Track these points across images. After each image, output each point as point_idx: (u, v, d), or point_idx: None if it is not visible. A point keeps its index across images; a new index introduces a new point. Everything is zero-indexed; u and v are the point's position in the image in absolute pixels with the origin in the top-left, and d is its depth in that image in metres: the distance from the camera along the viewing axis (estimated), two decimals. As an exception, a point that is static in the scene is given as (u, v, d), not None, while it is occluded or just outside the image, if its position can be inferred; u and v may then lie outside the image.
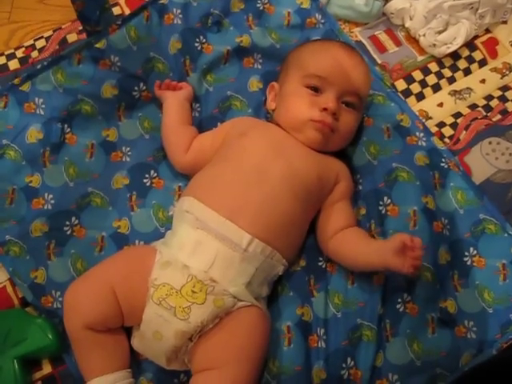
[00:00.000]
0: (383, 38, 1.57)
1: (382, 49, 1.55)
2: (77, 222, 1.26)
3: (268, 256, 1.13)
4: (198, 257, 1.10)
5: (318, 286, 1.24)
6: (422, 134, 1.37)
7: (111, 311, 1.09)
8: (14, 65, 1.47)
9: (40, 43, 1.51)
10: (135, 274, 1.11)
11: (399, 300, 1.22)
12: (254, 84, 1.43)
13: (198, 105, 1.41)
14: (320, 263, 1.26)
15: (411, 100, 1.49)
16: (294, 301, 1.22)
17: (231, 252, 1.10)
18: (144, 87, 1.39)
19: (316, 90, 1.24)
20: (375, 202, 1.29)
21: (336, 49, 1.29)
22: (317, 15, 1.52)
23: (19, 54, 1.49)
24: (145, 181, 1.33)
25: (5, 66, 1.47)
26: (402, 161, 1.32)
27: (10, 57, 1.48)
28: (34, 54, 1.49)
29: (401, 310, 1.21)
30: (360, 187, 1.33)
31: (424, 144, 1.36)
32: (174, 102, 1.35)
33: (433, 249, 1.25)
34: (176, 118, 1.34)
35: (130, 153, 1.35)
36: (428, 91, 1.50)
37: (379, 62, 1.53)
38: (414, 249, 1.10)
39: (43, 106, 1.32)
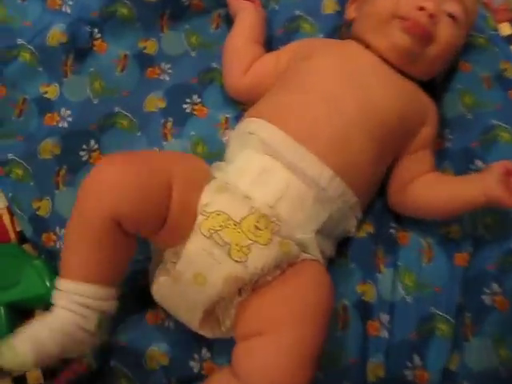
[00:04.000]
0: (489, -30, 1.25)
1: (486, -16, 1.23)
2: (96, 146, 0.99)
3: (347, 202, 0.86)
4: (263, 186, 0.83)
5: (386, 260, 0.95)
6: (529, 89, 1.08)
7: (159, 208, 0.78)
8: None
9: None
10: (197, 181, 0.82)
11: (486, 290, 0.93)
12: (330, 5, 1.12)
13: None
14: (391, 230, 0.97)
15: (516, 48, 1.17)
16: (354, 274, 0.94)
17: (305, 188, 0.84)
18: (197, -8, 1.10)
19: None
20: (465, 163, 1.00)
21: None
22: None
23: None
24: (185, 106, 1.04)
25: None
26: (504, 118, 1.02)
27: None
28: None
29: (487, 302, 0.92)
30: (448, 144, 1.02)
31: (530, 102, 1.06)
32: (254, 16, 1.06)
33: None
34: (249, 32, 1.05)
35: (170, 70, 1.07)
36: (537, 40, 1.18)
37: (482, -1, 1.22)
38: None
39: (71, 2, 1.04)
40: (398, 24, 0.92)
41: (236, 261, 0.78)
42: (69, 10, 1.04)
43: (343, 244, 0.94)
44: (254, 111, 0.94)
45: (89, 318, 0.78)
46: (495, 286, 0.92)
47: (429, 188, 0.94)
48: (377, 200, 0.99)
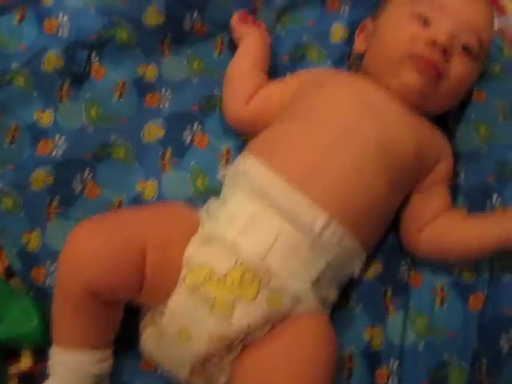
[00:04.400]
0: (503, -3, 1.19)
1: (500, 11, 1.16)
2: (91, 176, 0.93)
3: (346, 248, 0.79)
4: (252, 236, 0.77)
5: (396, 302, 0.89)
6: (546, 122, 1.01)
7: (134, 276, 0.74)
8: None
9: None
10: (177, 236, 0.78)
11: (503, 336, 0.85)
12: (338, 32, 1.07)
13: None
14: (402, 269, 0.91)
15: (532, 78, 1.11)
16: (361, 318, 0.88)
17: (298, 235, 0.78)
18: (199, 17, 1.03)
19: (425, 20, 0.88)
20: (481, 199, 0.93)
21: None
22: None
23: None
24: (185, 135, 0.98)
25: None
26: (522, 151, 0.97)
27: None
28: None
29: (505, 350, 0.85)
30: (462, 179, 0.96)
31: (548, 133, 1.00)
32: (258, 42, 1.00)
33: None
34: (252, 59, 0.99)
35: (170, 97, 1.01)
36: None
37: (496, 26, 1.10)
38: None
39: (68, 25, 0.97)
40: (410, 64, 0.87)
41: (220, 317, 0.73)
42: (66, 34, 0.97)
43: (350, 285, 0.87)
44: (254, 144, 0.89)
45: (85, 381, 0.75)
46: (513, 333, 0.87)
47: (453, 226, 0.89)
48: (388, 236, 0.92)
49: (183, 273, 0.76)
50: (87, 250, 0.74)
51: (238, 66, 0.99)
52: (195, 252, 0.77)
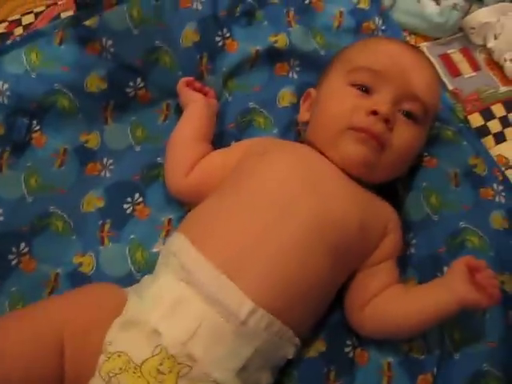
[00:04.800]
0: (458, 58, 1.17)
1: (454, 72, 1.15)
2: (26, 249, 0.89)
3: (275, 334, 0.74)
4: (175, 321, 0.72)
5: (339, 383, 0.84)
6: (500, 187, 0.98)
7: (52, 373, 0.70)
8: None
9: (27, 19, 1.14)
10: (98, 322, 0.74)
11: (453, 419, 0.82)
12: (286, 97, 1.06)
13: (210, 116, 1.05)
14: (347, 349, 0.87)
15: (488, 141, 1.07)
16: None
17: (222, 322, 0.73)
18: (142, 84, 1.01)
19: (366, 90, 0.87)
20: (432, 272, 0.90)
21: (395, 42, 0.94)
22: (376, 19, 1.15)
23: (0, 29, 1.12)
24: (125, 206, 0.95)
25: None
26: (473, 220, 0.93)
27: (-12, 31, 1.12)
28: (18, 30, 1.11)
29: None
30: (412, 250, 0.93)
31: (503, 201, 0.97)
32: (203, 110, 0.97)
33: (505, 349, 0.84)
34: (197, 128, 0.96)
35: (111, 167, 0.98)
36: (510, 132, 1.09)
37: (450, 87, 1.13)
38: (481, 269, 0.80)
39: (8, 93, 0.94)
40: (351, 135, 0.85)
41: None
42: (6, 101, 0.94)
43: (291, 363, 0.82)
44: (188, 222, 0.85)
45: None
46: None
47: (394, 302, 0.84)
48: (331, 313, 0.87)
49: (101, 360, 0.71)
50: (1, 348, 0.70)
51: (180, 134, 0.97)
52: (114, 337, 0.73)
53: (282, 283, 0.75)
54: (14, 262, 0.89)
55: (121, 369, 0.70)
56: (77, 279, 0.90)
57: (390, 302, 0.83)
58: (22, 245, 0.90)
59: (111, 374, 0.70)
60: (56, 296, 0.84)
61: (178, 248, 0.79)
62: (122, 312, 0.76)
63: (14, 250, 0.89)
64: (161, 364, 0.70)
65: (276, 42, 1.08)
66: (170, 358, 0.71)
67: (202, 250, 0.77)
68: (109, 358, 0.72)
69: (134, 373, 0.70)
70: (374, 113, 0.84)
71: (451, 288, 0.78)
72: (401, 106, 0.86)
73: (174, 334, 0.72)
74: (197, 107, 0.98)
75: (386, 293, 0.85)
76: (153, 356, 0.71)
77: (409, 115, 0.87)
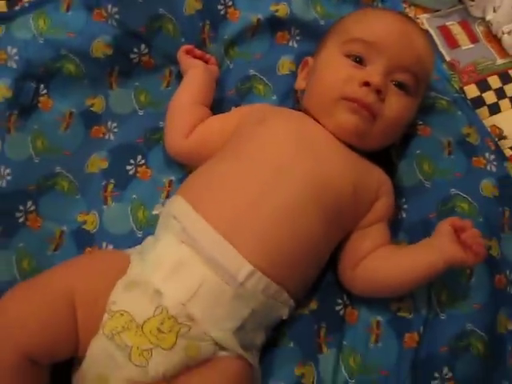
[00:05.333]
0: (456, 30, 1.20)
1: (452, 43, 1.18)
2: (33, 208, 0.92)
3: (272, 296, 0.78)
4: (176, 282, 0.76)
5: (329, 339, 0.88)
6: (492, 157, 1.01)
7: (68, 333, 0.74)
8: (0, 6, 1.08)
9: (37, -16, 1.16)
10: (105, 287, 0.77)
11: (436, 375, 0.85)
12: (286, 65, 1.08)
13: (211, 82, 1.08)
14: (338, 307, 0.90)
15: (483, 112, 1.11)
16: (293, 355, 0.86)
17: (222, 284, 0.76)
18: (146, 50, 1.04)
19: (360, 60, 0.89)
20: (422, 236, 0.91)
21: (392, 14, 0.96)
22: (376, -11, 1.17)
23: (9, -7, 1.15)
24: (128, 168, 0.98)
25: None
26: (464, 187, 0.96)
27: (-3, -4, 1.14)
28: (27, -4, 1.14)
29: (437, 388, 0.85)
30: (404, 214, 0.97)
31: (494, 169, 0.99)
32: (203, 76, 1.00)
33: (490, 311, 0.88)
34: (195, 92, 0.99)
35: (116, 130, 1.01)
36: (505, 104, 1.13)
37: (448, 58, 1.16)
38: (466, 229, 0.84)
39: (16, 57, 0.97)
40: (344, 105, 0.87)
41: (136, 365, 0.72)
42: (14, 65, 0.97)
43: (283, 321, 0.85)
44: (187, 185, 0.88)
45: None
46: (446, 370, 0.84)
47: (384, 261, 0.87)
48: (323, 273, 0.90)
49: (104, 318, 0.75)
50: (16, 314, 0.72)
51: (180, 99, 0.99)
52: (118, 298, 0.76)
53: (278, 245, 0.79)
54: (21, 220, 0.92)
55: (123, 327, 0.74)
56: (80, 237, 0.94)
57: (380, 262, 0.87)
58: (29, 203, 0.93)
59: (114, 332, 0.74)
60: (64, 264, 0.85)
61: (178, 211, 0.82)
62: (126, 273, 0.79)
63: (21, 208, 0.93)
64: (162, 323, 0.74)
65: (277, 11, 1.10)
66: (170, 318, 0.75)
67: (201, 212, 0.79)
68: (112, 316, 0.75)
69: (136, 331, 0.74)
70: (366, 84, 0.86)
71: (438, 248, 0.82)
72: (393, 77, 0.89)
73: (174, 295, 0.75)
74: (195, 73, 1.01)
75: (376, 253, 0.88)
76: (154, 316, 0.74)
77: (400, 86, 0.90)
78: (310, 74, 0.97)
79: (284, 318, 0.82)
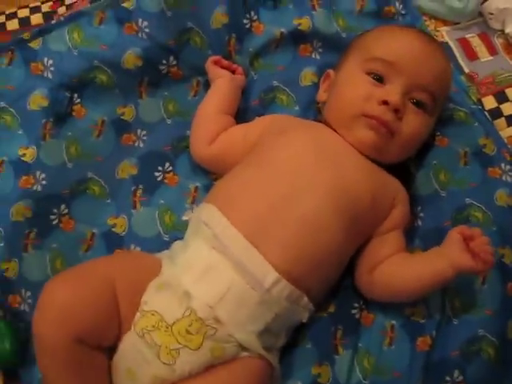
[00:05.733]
0: (476, 42, 1.21)
1: (472, 55, 1.19)
2: (66, 211, 0.98)
3: (294, 302, 0.82)
4: (205, 285, 0.81)
5: (345, 341, 0.92)
6: (508, 167, 1.03)
7: (112, 318, 0.79)
8: (36, 19, 1.19)
9: (70, -2, 1.23)
10: (143, 282, 0.82)
11: (447, 378, 0.88)
12: (308, 77, 1.12)
13: (236, 93, 1.13)
14: (354, 311, 0.94)
15: (500, 123, 1.12)
16: (310, 356, 0.90)
17: (249, 289, 0.81)
18: (174, 62, 1.09)
19: (379, 79, 0.93)
20: (436, 243, 0.93)
21: (411, 33, 0.99)
22: (397, 4, 1.20)
23: (45, 8, 1.21)
24: (156, 174, 1.03)
25: (27, 19, 1.19)
26: (479, 197, 0.99)
27: (35, 10, 1.20)
28: (62, 10, 1.20)
29: (449, 391, 0.88)
30: (419, 222, 1.00)
31: (509, 180, 1.02)
32: (228, 85, 1.05)
33: (501, 317, 0.91)
34: (221, 102, 1.04)
35: (145, 137, 1.07)
36: (523, 115, 1.15)
37: (466, 70, 1.18)
38: (475, 237, 0.86)
39: (52, 68, 1.04)
40: (363, 121, 0.92)
41: (164, 363, 0.77)
42: (50, 76, 1.03)
43: (302, 323, 0.89)
44: (214, 192, 0.93)
45: None
46: (457, 374, 0.87)
47: (396, 267, 0.91)
48: (341, 278, 0.94)
49: (136, 317, 0.80)
50: (65, 298, 0.77)
51: (205, 108, 1.05)
52: (150, 298, 0.81)
53: (300, 252, 0.83)
54: (54, 222, 0.98)
55: (153, 326, 0.79)
56: (110, 239, 0.99)
57: (395, 267, 0.90)
58: (63, 206, 0.99)
59: (145, 331, 0.79)
60: (104, 257, 0.93)
61: (209, 217, 0.86)
62: (158, 275, 0.84)
63: (55, 210, 0.98)
64: (190, 325, 0.79)
65: (300, 24, 1.14)
66: (198, 320, 0.79)
67: (229, 219, 0.84)
68: (143, 315, 0.80)
69: (166, 331, 0.79)
70: (385, 102, 0.90)
71: (447, 255, 0.86)
72: (411, 96, 0.93)
73: (203, 298, 0.80)
74: (222, 82, 1.06)
75: (392, 259, 0.92)
76: (183, 317, 0.79)
77: (418, 104, 0.94)
78: (332, 87, 1.01)
79: (304, 321, 0.87)
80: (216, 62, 1.08)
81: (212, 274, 0.81)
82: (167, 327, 0.78)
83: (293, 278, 0.82)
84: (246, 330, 0.80)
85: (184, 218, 0.97)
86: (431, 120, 0.97)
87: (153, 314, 0.79)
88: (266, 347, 0.82)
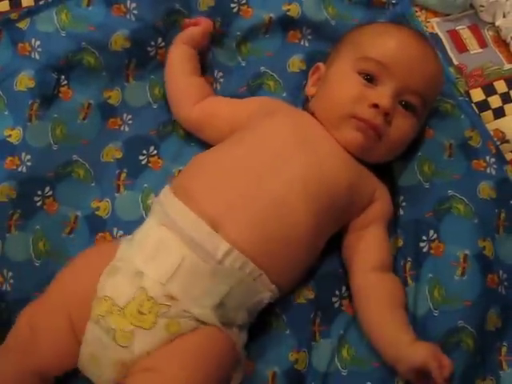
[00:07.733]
0: (466, 34, 1.21)
1: (461, 47, 1.19)
2: (50, 193, 0.98)
3: (249, 274, 0.82)
4: (157, 262, 0.81)
5: (324, 328, 0.92)
6: (492, 160, 1.03)
7: (73, 349, 0.81)
8: (27, 1, 1.13)
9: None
10: (96, 281, 0.83)
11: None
12: (296, 63, 1.12)
13: (220, 74, 1.11)
14: (334, 299, 0.95)
15: (487, 116, 1.12)
16: (288, 341, 0.91)
17: (200, 262, 0.81)
18: (162, 43, 1.09)
19: (371, 79, 0.92)
20: (417, 234, 0.97)
21: (406, 34, 0.97)
22: (388, -7, 1.20)
23: (37, -11, 1.19)
24: (141, 158, 1.03)
25: (17, 0, 1.14)
26: (462, 189, 0.99)
27: (26, -9, 1.19)
28: (54, -10, 1.19)
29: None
30: (401, 212, 0.99)
31: (493, 172, 1.02)
32: (180, 49, 1.06)
33: (481, 309, 0.91)
34: (184, 66, 1.05)
35: (130, 121, 1.06)
36: (510, 108, 1.13)
37: (455, 62, 1.17)
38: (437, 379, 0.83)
39: (40, 49, 1.04)
40: (352, 123, 0.92)
41: (122, 346, 0.78)
42: (38, 56, 1.04)
43: (282, 306, 0.91)
44: (185, 170, 0.95)
45: None
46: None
47: (366, 302, 0.90)
48: (321, 265, 0.95)
49: (92, 304, 0.81)
50: (37, 335, 0.81)
51: (173, 73, 1.05)
52: (102, 284, 0.81)
53: (262, 229, 0.84)
54: (38, 204, 0.98)
55: (107, 311, 0.80)
56: (93, 222, 0.99)
57: (369, 301, 0.90)
58: (47, 188, 0.99)
59: (100, 317, 0.80)
60: (58, 277, 0.88)
61: (164, 196, 0.88)
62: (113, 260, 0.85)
63: (39, 192, 0.98)
64: (141, 305, 0.79)
65: (288, 10, 1.13)
66: (149, 299, 0.80)
67: (189, 196, 0.85)
68: (98, 302, 0.81)
69: (119, 314, 0.79)
70: (376, 106, 0.90)
71: (399, 359, 0.85)
72: (401, 98, 0.92)
73: (154, 275, 0.80)
74: (173, 49, 1.07)
75: (375, 284, 0.91)
76: (134, 299, 0.79)
77: (407, 106, 0.93)
78: (321, 81, 1.00)
79: (266, 302, 0.86)
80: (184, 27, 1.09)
81: (162, 250, 0.82)
82: (119, 310, 0.79)
83: (248, 253, 0.81)
84: (201, 305, 0.80)
85: (149, 201, 0.98)
86: (419, 122, 0.97)
87: (105, 300, 0.80)
88: (224, 322, 0.81)
